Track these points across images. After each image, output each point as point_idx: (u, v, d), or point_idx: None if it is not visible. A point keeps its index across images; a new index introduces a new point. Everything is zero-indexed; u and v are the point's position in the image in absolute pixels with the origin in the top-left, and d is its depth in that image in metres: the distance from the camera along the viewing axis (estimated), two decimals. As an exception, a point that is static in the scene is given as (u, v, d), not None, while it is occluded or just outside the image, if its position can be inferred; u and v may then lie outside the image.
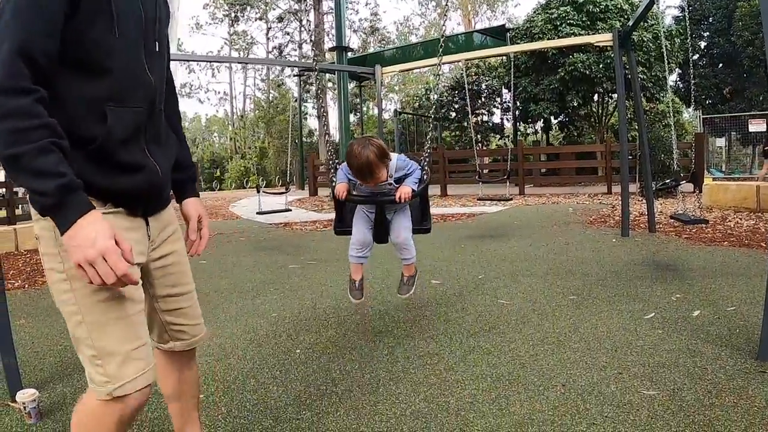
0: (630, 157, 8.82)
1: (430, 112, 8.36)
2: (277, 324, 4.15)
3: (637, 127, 8.13)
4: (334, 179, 3.42)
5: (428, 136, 3.75)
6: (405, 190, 3.19)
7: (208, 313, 4.56)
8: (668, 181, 5.62)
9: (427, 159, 3.48)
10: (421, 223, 3.68)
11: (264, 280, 5.75)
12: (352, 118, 24.39)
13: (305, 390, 2.95)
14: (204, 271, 6.45)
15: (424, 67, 12.22)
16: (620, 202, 10.82)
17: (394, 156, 3.25)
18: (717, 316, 3.83)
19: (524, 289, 4.88)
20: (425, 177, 3.37)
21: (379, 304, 4.63)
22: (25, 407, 2.63)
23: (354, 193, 3.35)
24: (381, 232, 3.49)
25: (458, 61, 14.83)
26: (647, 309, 4.07)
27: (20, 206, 13.10)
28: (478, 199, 9.02)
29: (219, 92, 58.80)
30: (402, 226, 3.47)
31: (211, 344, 3.73)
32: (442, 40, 3.88)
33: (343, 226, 3.73)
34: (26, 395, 2.65)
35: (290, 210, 8.79)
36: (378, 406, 2.75)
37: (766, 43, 3.11)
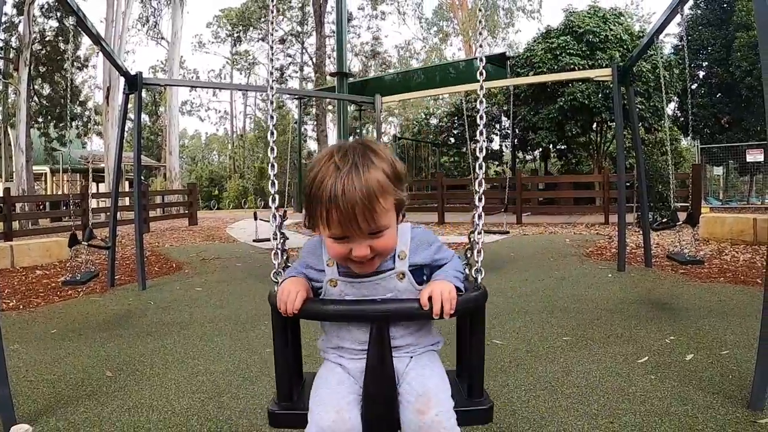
0: (627, 184, 8.86)
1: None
2: (271, 360, 4.10)
3: (634, 156, 8.19)
4: (278, 278, 1.78)
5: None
6: (445, 288, 1.50)
7: (203, 345, 4.56)
8: (665, 220, 5.63)
9: (477, 247, 1.72)
10: (469, 399, 1.72)
11: (259, 312, 5.75)
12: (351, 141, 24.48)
13: (297, 434, 2.94)
14: (199, 299, 6.45)
15: (423, 96, 12.31)
16: (617, 233, 10.88)
17: (406, 225, 1.64)
18: (710, 360, 3.83)
19: (518, 328, 4.88)
20: (479, 284, 1.67)
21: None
22: (17, 445, 2.63)
23: (322, 300, 1.65)
24: (382, 406, 1.56)
25: (460, 92, 14.91)
26: (641, 352, 4.07)
27: (18, 221, 13.10)
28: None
29: (219, 111, 59.04)
30: (430, 385, 1.56)
31: (204, 380, 3.72)
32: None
33: (290, 405, 1.75)
34: (20, 431, 2.64)
35: (287, 238, 8.79)
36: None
37: (763, 74, 3.15)
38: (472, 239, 1.76)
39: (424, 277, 1.64)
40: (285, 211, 9.01)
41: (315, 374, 1.73)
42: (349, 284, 1.60)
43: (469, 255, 1.79)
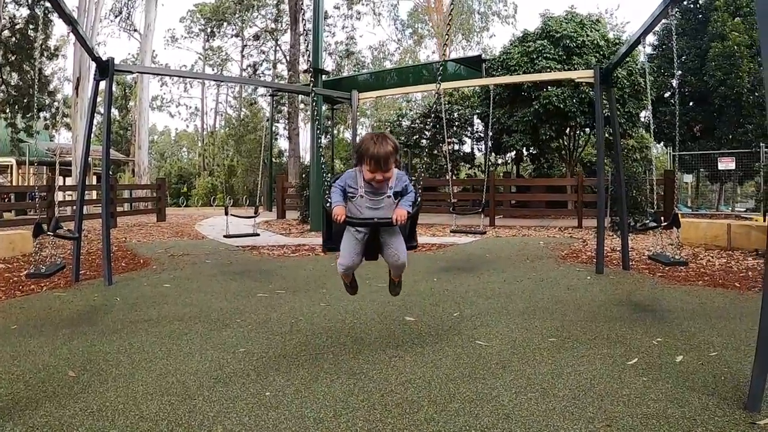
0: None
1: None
2: (245, 360, 3.93)
3: (612, 159, 8.13)
4: (329, 198, 3.49)
5: (418, 163, 4.36)
6: (401, 213, 3.36)
7: (171, 344, 4.33)
8: (647, 221, 5.54)
9: (420, 182, 3.63)
10: (409, 241, 3.81)
11: (231, 310, 5.52)
12: (323, 140, 24.28)
13: (276, 438, 2.75)
14: (167, 295, 6.19)
15: (400, 93, 12.19)
16: (591, 237, 10.86)
17: (395, 171, 3.49)
18: (701, 362, 3.74)
19: (502, 329, 4.73)
20: (418, 199, 3.56)
21: (352, 342, 4.43)
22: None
23: (349, 216, 3.43)
24: (371, 252, 3.64)
25: (437, 91, 14.84)
26: (630, 354, 3.96)
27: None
28: (451, 231, 8.90)
29: (190, 107, 58.20)
30: (400, 250, 3.62)
31: (174, 381, 3.50)
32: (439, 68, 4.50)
33: (332, 244, 3.86)
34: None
35: (258, 234, 8.55)
36: (354, 459, 2.56)
37: (765, 81, 3.07)
38: (415, 175, 3.78)
39: (399, 197, 3.51)
40: (257, 207, 8.77)
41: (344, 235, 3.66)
42: (368, 197, 3.48)
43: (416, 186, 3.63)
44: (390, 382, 3.50)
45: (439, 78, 4.39)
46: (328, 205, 3.46)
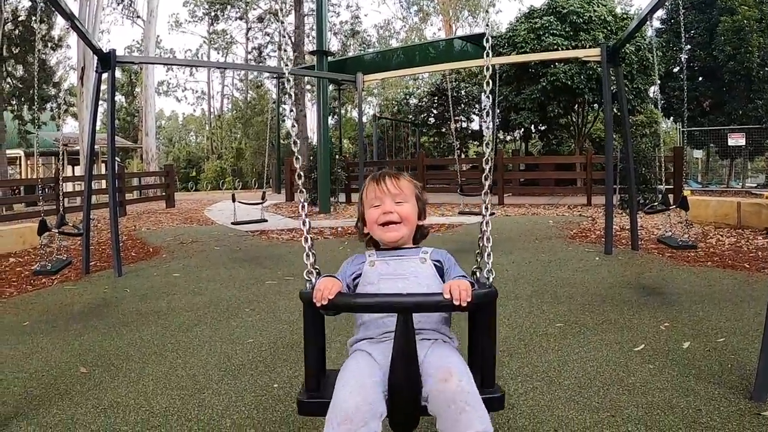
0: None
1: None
2: (254, 352, 3.97)
3: (621, 137, 8.07)
4: (311, 278, 1.98)
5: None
6: (462, 284, 1.71)
7: (181, 335, 4.38)
8: (656, 204, 5.51)
9: (488, 262, 1.97)
10: (482, 389, 1.75)
11: (240, 298, 5.56)
12: (330, 121, 24.23)
13: (284, 433, 2.78)
14: (177, 285, 6.24)
15: (405, 75, 12.10)
16: (600, 215, 10.80)
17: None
18: (708, 349, 3.73)
19: (509, 314, 4.74)
20: (490, 284, 1.92)
21: (360, 328, 4.46)
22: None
23: (350, 294, 1.95)
24: (406, 390, 1.73)
25: (442, 71, 14.73)
26: (636, 340, 3.96)
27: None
28: (459, 213, 8.90)
29: (197, 91, 58.17)
30: (452, 362, 1.78)
31: (184, 375, 3.54)
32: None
33: (317, 394, 1.87)
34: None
35: (266, 221, 8.60)
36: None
37: None
38: (481, 245, 2.04)
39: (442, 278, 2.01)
40: (264, 193, 8.79)
41: (338, 370, 1.85)
42: (384, 262, 2.02)
43: (479, 259, 2.10)
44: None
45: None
46: (309, 287, 1.92)
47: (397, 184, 2.08)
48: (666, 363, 3.51)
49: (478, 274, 2.09)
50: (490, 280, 1.93)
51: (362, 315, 2.00)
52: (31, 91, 23.07)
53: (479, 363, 1.89)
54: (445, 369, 1.72)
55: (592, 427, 2.73)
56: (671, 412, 2.85)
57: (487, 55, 2.19)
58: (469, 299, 1.67)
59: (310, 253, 2.00)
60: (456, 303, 1.66)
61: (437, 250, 2.10)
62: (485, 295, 1.77)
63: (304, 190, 2.11)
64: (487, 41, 2.18)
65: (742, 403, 2.91)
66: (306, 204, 2.09)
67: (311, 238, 2.06)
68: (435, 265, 2.03)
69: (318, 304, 1.72)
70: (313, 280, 1.93)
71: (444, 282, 1.94)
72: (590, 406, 2.95)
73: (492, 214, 2.09)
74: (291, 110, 2.43)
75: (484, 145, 2.07)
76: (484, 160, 2.07)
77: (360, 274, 2.03)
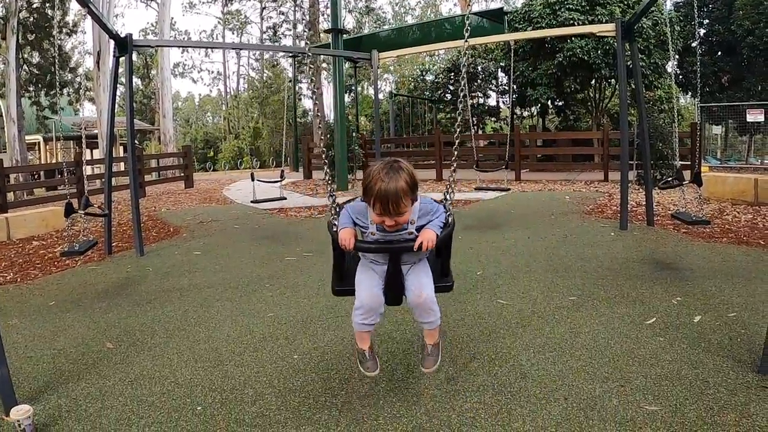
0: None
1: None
2: (274, 326, 4.09)
3: (636, 114, 8.06)
4: (335, 222, 2.71)
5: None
6: (428, 236, 2.53)
7: (203, 311, 4.52)
8: (670, 179, 5.53)
9: (449, 200, 2.83)
10: (441, 278, 2.87)
11: (260, 275, 5.69)
12: (347, 98, 24.22)
13: (304, 402, 2.91)
14: (198, 263, 6.39)
15: (420, 52, 12.07)
16: (616, 191, 10.79)
17: (416, 202, 2.62)
18: (718, 323, 3.79)
19: (523, 287, 4.83)
20: (450, 220, 2.73)
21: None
22: (20, 425, 2.57)
23: (361, 241, 2.65)
24: (395, 291, 2.74)
25: (458, 47, 14.65)
26: (648, 313, 4.03)
27: (13, 192, 12.87)
28: (475, 188, 8.95)
29: (212, 72, 58.19)
30: (423, 283, 2.71)
31: (207, 348, 3.68)
32: (467, 23, 2.94)
33: (343, 285, 2.90)
34: (21, 412, 2.59)
35: (285, 198, 8.70)
36: (379, 419, 2.71)
37: None
38: (448, 188, 2.90)
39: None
40: (283, 171, 8.88)
41: (358, 270, 2.82)
42: (381, 235, 2.65)
43: (446, 199, 2.86)
44: (412, 344, 3.64)
45: (467, 33, 2.92)
46: (334, 230, 2.68)
47: (397, 204, 2.45)
48: (676, 336, 3.58)
49: (445, 204, 2.80)
50: (450, 219, 2.74)
51: None
52: (48, 77, 23.31)
53: (440, 262, 2.92)
54: (418, 288, 2.68)
55: (601, 396, 2.82)
56: (679, 383, 2.93)
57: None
58: (432, 246, 2.55)
59: (332, 199, 2.84)
60: (423, 249, 2.53)
61: (422, 209, 2.66)
62: (445, 236, 2.65)
63: (328, 170, 2.96)
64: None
65: (749, 376, 2.98)
66: (328, 172, 2.98)
67: (335, 197, 2.86)
68: (419, 228, 2.63)
69: (344, 247, 2.57)
70: (337, 222, 2.70)
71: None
72: (600, 376, 3.04)
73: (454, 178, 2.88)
74: (311, 90, 2.62)
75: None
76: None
77: (364, 232, 2.69)
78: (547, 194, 11.74)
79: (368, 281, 2.73)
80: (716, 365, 3.13)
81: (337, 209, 2.76)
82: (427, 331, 2.88)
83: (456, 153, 2.92)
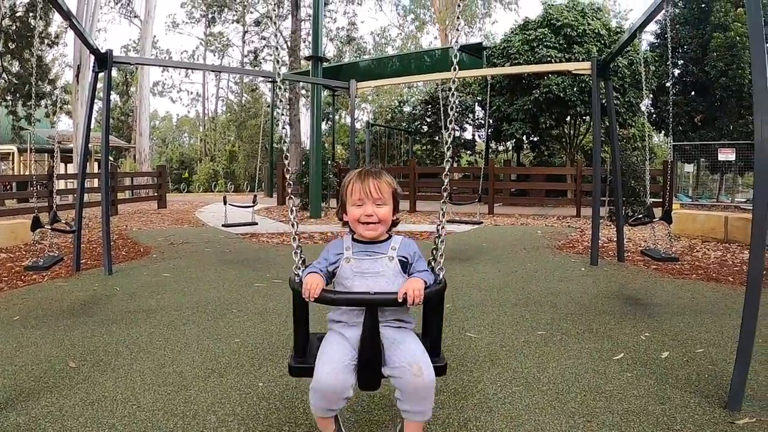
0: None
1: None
2: (240, 352, 4.02)
3: (609, 151, 8.19)
4: (299, 272, 2.31)
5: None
6: (414, 285, 2.09)
7: (169, 334, 4.42)
8: (641, 216, 5.61)
9: (441, 251, 2.39)
10: (433, 354, 2.28)
11: (228, 299, 5.61)
12: (324, 126, 24.26)
13: (268, 431, 2.84)
14: (167, 285, 6.29)
15: (399, 83, 12.20)
16: (588, 226, 10.92)
17: (399, 236, 2.43)
18: (686, 359, 3.82)
19: (492, 321, 4.82)
20: (442, 277, 2.31)
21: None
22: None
23: (331, 291, 2.22)
24: (371, 366, 2.17)
25: (434, 80, 14.84)
26: (616, 349, 4.04)
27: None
28: (448, 221, 8.97)
29: (191, 92, 58.13)
30: (418, 356, 2.16)
31: (171, 371, 3.59)
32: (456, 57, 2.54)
33: (303, 360, 2.33)
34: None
35: (256, 224, 8.65)
36: (342, 451, 2.65)
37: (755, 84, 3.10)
38: (436, 243, 2.42)
39: (406, 272, 2.31)
40: (255, 196, 8.84)
41: (320, 337, 2.36)
42: (358, 261, 2.28)
43: (434, 253, 2.40)
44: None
45: (455, 68, 2.52)
46: (297, 280, 2.27)
47: (379, 188, 2.28)
48: (644, 372, 3.59)
49: (434, 264, 2.38)
50: (441, 276, 2.31)
51: None
52: (26, 87, 23.06)
53: (429, 337, 2.36)
54: (417, 366, 2.12)
55: (567, 431, 2.80)
56: (646, 418, 2.93)
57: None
58: (420, 299, 2.07)
59: (298, 252, 2.36)
60: (410, 302, 2.06)
61: (406, 242, 2.38)
62: (435, 293, 2.21)
63: (293, 197, 2.49)
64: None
65: (717, 412, 2.99)
66: (295, 208, 2.48)
67: (299, 238, 2.40)
68: (401, 260, 2.30)
69: (307, 300, 2.14)
70: (301, 273, 2.28)
71: (408, 274, 2.29)
72: (567, 411, 3.03)
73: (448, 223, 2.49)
74: (283, 116, 2.56)
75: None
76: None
77: (338, 267, 2.31)
78: (520, 228, 11.83)
79: (333, 353, 2.17)
80: (683, 401, 3.13)
81: (302, 263, 2.35)
82: (414, 424, 2.21)
83: (447, 182, 2.44)
